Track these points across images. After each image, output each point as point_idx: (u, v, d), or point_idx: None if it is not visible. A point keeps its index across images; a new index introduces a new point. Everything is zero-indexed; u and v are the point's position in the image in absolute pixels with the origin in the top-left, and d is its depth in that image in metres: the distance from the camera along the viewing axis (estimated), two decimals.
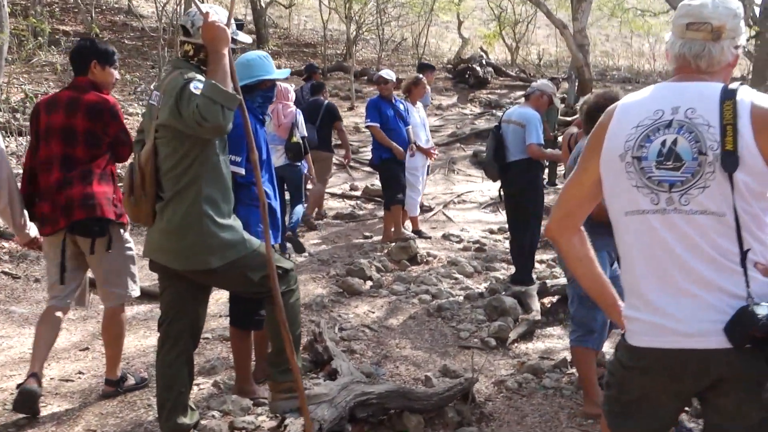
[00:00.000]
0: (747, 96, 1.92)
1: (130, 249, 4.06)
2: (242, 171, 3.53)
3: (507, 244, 8.06)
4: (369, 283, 6.47)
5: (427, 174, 8.76)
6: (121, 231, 3.98)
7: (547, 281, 6.36)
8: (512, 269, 6.84)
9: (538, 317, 5.71)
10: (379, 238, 8.01)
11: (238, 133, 3.21)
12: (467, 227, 9.01)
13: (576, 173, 2.20)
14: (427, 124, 8.34)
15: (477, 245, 7.91)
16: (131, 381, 4.16)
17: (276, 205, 3.79)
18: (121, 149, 4.00)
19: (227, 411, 3.79)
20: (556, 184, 10.97)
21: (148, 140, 3.09)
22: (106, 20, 18.70)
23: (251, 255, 3.14)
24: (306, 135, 7.25)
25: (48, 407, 3.95)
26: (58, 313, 3.98)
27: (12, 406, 3.76)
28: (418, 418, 3.79)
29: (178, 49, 14.49)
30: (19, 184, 3.89)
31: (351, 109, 15.84)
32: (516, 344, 5.30)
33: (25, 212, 3.88)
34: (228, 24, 2.99)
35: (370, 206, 10.13)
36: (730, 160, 1.86)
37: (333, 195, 10.14)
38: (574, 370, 4.77)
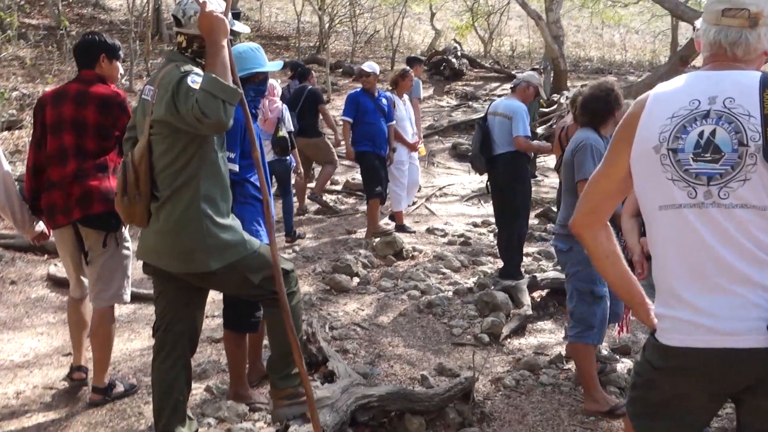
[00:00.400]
0: None
1: (127, 248, 3.96)
2: (236, 168, 3.39)
3: (492, 237, 8.02)
4: (356, 279, 6.36)
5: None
6: (123, 228, 3.89)
7: (536, 275, 6.30)
8: (499, 263, 6.78)
9: (530, 312, 5.65)
10: (364, 231, 7.89)
11: (231, 129, 3.07)
12: (451, 221, 8.92)
13: (604, 166, 2.11)
14: (413, 117, 8.23)
15: (462, 239, 7.82)
16: (120, 388, 4.00)
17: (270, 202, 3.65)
18: None
19: (223, 418, 3.66)
20: (536, 176, 10.92)
21: (141, 137, 2.92)
22: (73, 13, 18.32)
23: (252, 256, 3.00)
24: (293, 130, 7.15)
25: (32, 417, 3.78)
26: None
27: None
28: (420, 420, 3.70)
29: (149, 43, 14.21)
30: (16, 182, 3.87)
31: (327, 102, 15.66)
32: (509, 340, 5.23)
33: (26, 208, 3.87)
34: (226, 14, 2.84)
35: (351, 200, 10.01)
36: None
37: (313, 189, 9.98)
38: (570, 366, 4.73)
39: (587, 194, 2.16)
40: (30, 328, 5.16)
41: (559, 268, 6.55)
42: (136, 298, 5.28)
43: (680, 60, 11.77)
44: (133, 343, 4.86)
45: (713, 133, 1.86)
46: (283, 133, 6.74)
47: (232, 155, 3.35)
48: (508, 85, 18.05)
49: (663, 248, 1.97)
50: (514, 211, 6.43)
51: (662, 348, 1.95)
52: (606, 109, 4.16)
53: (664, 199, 1.93)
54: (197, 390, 4.07)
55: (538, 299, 6.09)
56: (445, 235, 8.09)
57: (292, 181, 8.07)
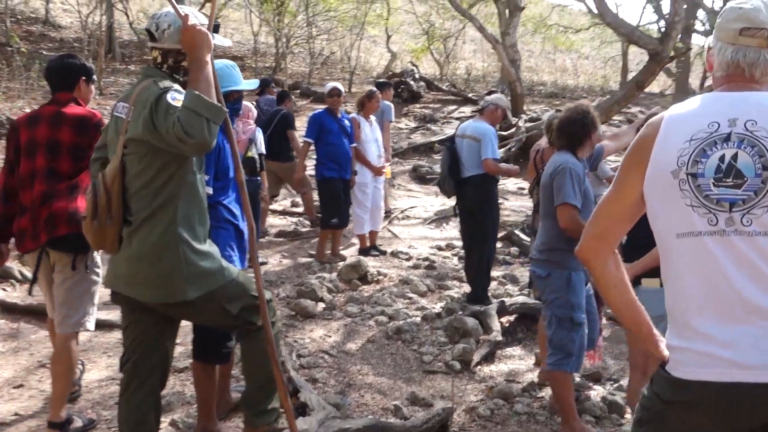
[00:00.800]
0: None
1: (97, 274, 3.80)
2: (210, 190, 3.22)
3: (456, 261, 7.93)
4: (321, 304, 6.18)
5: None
6: (94, 252, 3.72)
7: (505, 299, 6.22)
8: (465, 287, 6.69)
9: (500, 337, 5.56)
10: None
11: None
12: (414, 243, 8.82)
13: (614, 190, 2.01)
14: (380, 139, 8.12)
15: (427, 263, 7.71)
16: (78, 423, 3.75)
17: (243, 226, 3.50)
18: None
19: None
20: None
21: (113, 157, 2.73)
22: (22, 30, 17.78)
23: (230, 285, 2.82)
24: (264, 153, 6.98)
25: None
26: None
27: None
28: None
29: (101, 61, 13.83)
30: None
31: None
32: (479, 367, 5.13)
33: None
34: (209, 27, 2.69)
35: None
36: None
37: (273, 212, 9.78)
38: (543, 394, 4.65)
39: (595, 218, 2.06)
40: None
41: (526, 292, 6.51)
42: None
43: (636, 85, 11.93)
44: (91, 373, 4.60)
45: (735, 156, 1.78)
46: (252, 153, 6.58)
47: (206, 177, 3.18)
48: (465, 108, 18.27)
49: (679, 277, 1.87)
50: (484, 234, 6.37)
51: (674, 381, 1.85)
52: (583, 132, 4.13)
53: (682, 226, 1.83)
54: (161, 424, 3.84)
55: (507, 324, 6.01)
56: (409, 258, 7.97)
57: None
